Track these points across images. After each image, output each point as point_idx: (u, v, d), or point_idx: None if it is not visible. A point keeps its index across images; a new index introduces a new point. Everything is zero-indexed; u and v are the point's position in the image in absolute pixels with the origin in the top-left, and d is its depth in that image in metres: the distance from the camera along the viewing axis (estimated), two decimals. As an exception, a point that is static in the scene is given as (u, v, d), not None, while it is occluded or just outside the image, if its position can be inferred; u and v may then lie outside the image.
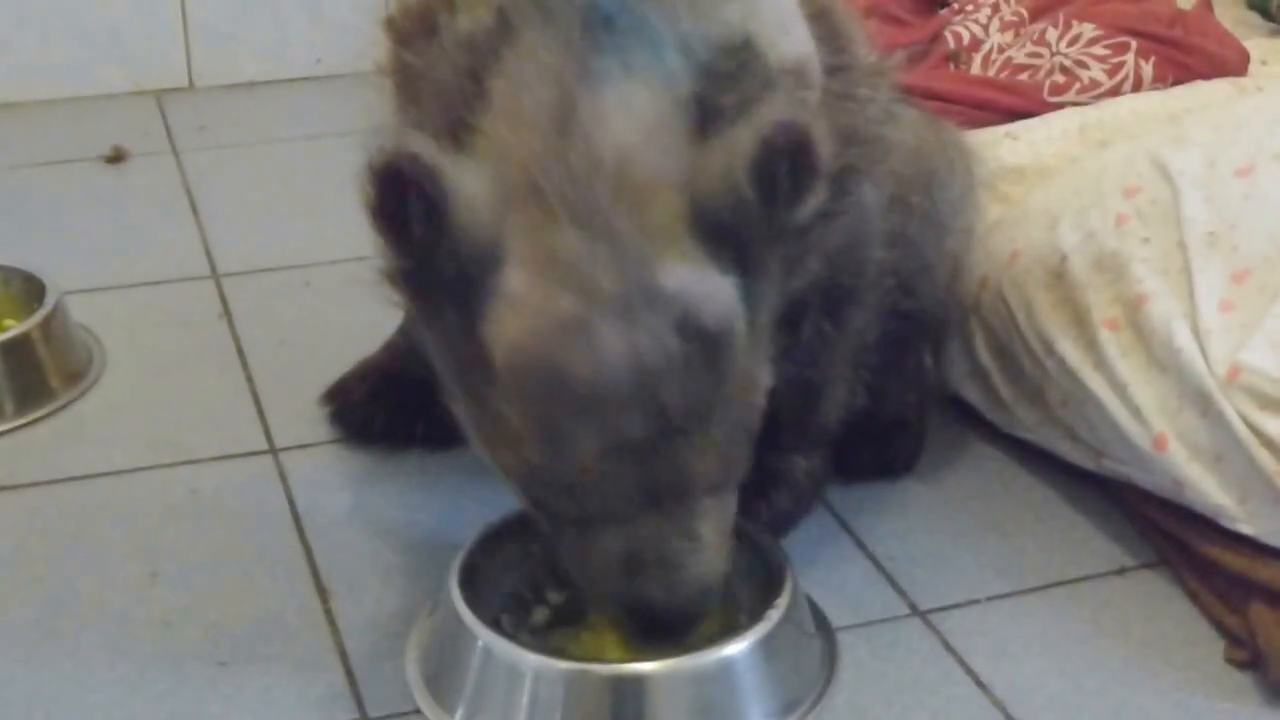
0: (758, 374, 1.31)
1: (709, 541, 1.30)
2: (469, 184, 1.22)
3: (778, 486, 1.64)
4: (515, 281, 1.22)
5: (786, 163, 1.21)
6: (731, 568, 1.49)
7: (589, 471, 1.24)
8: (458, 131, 1.27)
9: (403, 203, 1.19)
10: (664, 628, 1.32)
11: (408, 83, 1.39)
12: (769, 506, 1.62)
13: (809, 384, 1.60)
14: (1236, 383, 1.52)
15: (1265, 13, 2.51)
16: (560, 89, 1.25)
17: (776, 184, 1.21)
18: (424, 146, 1.21)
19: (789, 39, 1.40)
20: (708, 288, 1.23)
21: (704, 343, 1.22)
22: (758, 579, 1.49)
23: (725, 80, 1.30)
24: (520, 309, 1.22)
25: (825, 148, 1.23)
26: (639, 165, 1.24)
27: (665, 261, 1.22)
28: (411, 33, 1.40)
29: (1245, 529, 1.52)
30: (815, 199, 1.25)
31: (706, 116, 1.27)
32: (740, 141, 1.22)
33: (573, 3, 1.27)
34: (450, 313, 1.25)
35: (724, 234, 1.23)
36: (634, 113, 1.25)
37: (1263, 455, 1.50)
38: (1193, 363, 1.55)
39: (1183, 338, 1.57)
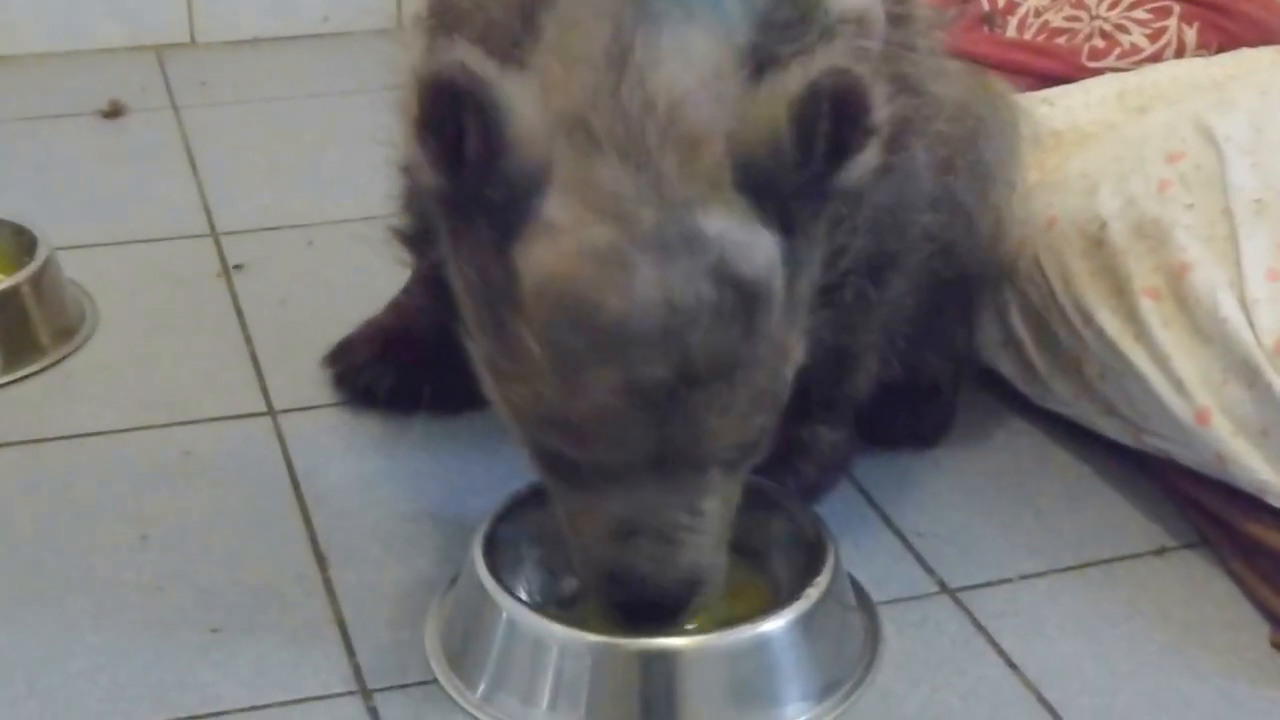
0: (790, 342, 1.24)
1: (712, 522, 1.24)
2: (524, 102, 1.16)
3: (803, 457, 1.58)
4: (555, 208, 1.17)
5: (831, 113, 1.14)
6: (764, 543, 1.44)
7: (603, 413, 1.17)
8: (506, 65, 1.20)
9: (453, 116, 1.13)
10: (646, 607, 1.25)
11: (451, 24, 1.32)
12: (794, 477, 1.55)
13: (843, 352, 1.53)
14: (1286, 354, 1.45)
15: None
16: (616, 28, 1.21)
17: (817, 134, 1.15)
18: (476, 59, 1.14)
19: None
20: (749, 238, 1.17)
21: (738, 293, 1.16)
22: (796, 553, 1.42)
23: (784, 29, 1.25)
24: (556, 235, 1.16)
25: (879, 100, 1.17)
26: (691, 110, 1.19)
27: (708, 206, 1.17)
28: None
29: (1293, 507, 1.45)
30: (866, 157, 1.19)
31: (763, 65, 1.22)
32: (787, 89, 1.16)
33: None
34: (484, 235, 1.19)
35: (765, 186, 1.17)
36: (690, 58, 1.21)
37: (1313, 428, 1.43)
38: (1239, 332, 1.48)
39: (1228, 307, 1.50)
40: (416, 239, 1.63)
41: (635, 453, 1.19)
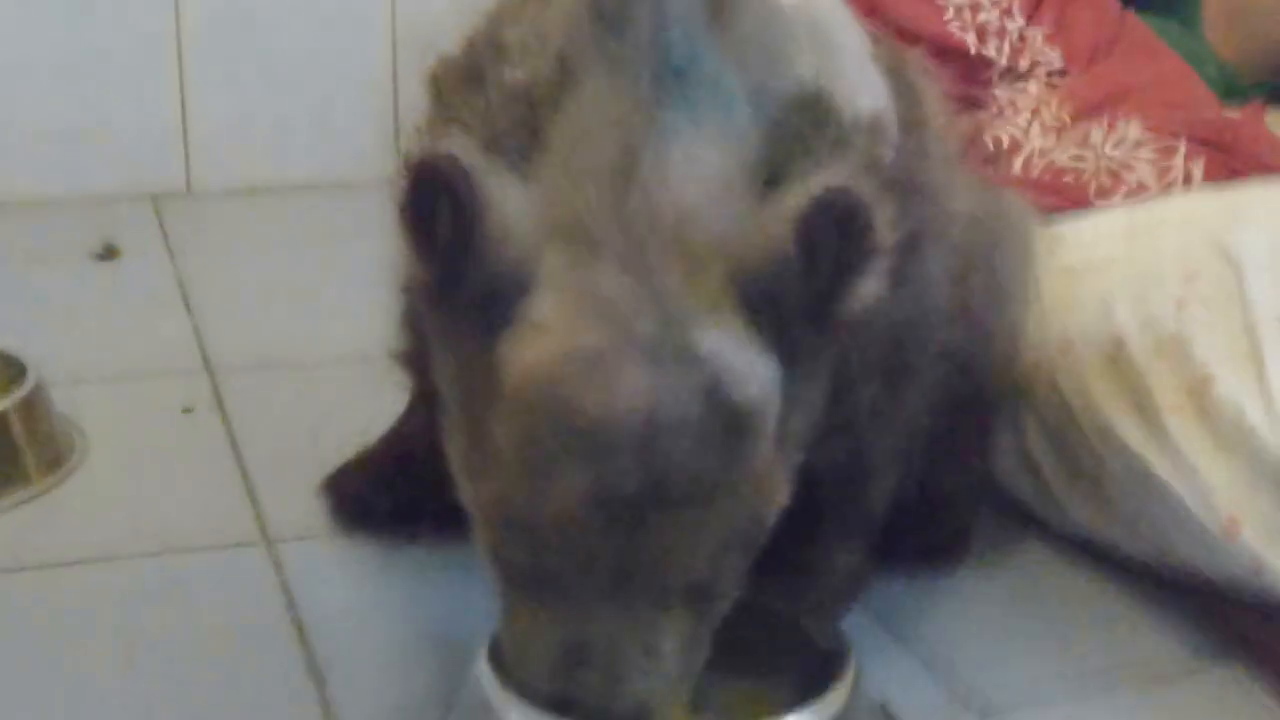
0: (775, 481, 1.17)
1: (667, 660, 1.15)
2: (510, 200, 1.13)
3: (816, 580, 1.51)
4: (544, 308, 1.12)
5: (835, 233, 1.09)
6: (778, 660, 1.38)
7: (567, 520, 1.10)
8: (518, 161, 1.19)
9: (433, 204, 1.09)
10: None
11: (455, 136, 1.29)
12: (805, 601, 1.49)
13: (857, 467, 1.48)
14: (1316, 458, 1.41)
15: (1315, 132, 2.43)
16: (624, 141, 1.16)
17: (823, 255, 1.10)
18: (466, 151, 1.12)
19: (865, 92, 1.32)
20: (745, 363, 1.11)
21: (727, 418, 1.10)
22: (812, 669, 1.35)
23: (795, 139, 1.22)
24: (544, 334, 1.11)
25: (884, 220, 1.11)
26: (698, 228, 1.14)
27: (708, 324, 1.11)
28: (456, 86, 1.31)
29: (1331, 617, 1.40)
30: (871, 280, 1.14)
31: (774, 178, 1.18)
32: (789, 207, 1.11)
33: (641, 51, 1.19)
34: (468, 331, 1.14)
35: (767, 308, 1.12)
36: (699, 172, 1.17)
37: (1347, 534, 1.38)
38: (1267, 440, 1.45)
39: (1255, 417, 1.46)
40: (415, 359, 1.59)
41: (594, 567, 1.12)
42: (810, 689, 1.31)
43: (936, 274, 1.43)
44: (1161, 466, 1.52)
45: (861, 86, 1.31)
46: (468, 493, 1.20)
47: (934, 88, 1.46)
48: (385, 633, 1.53)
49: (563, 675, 1.16)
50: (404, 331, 1.60)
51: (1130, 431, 1.56)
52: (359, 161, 2.78)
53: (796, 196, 1.11)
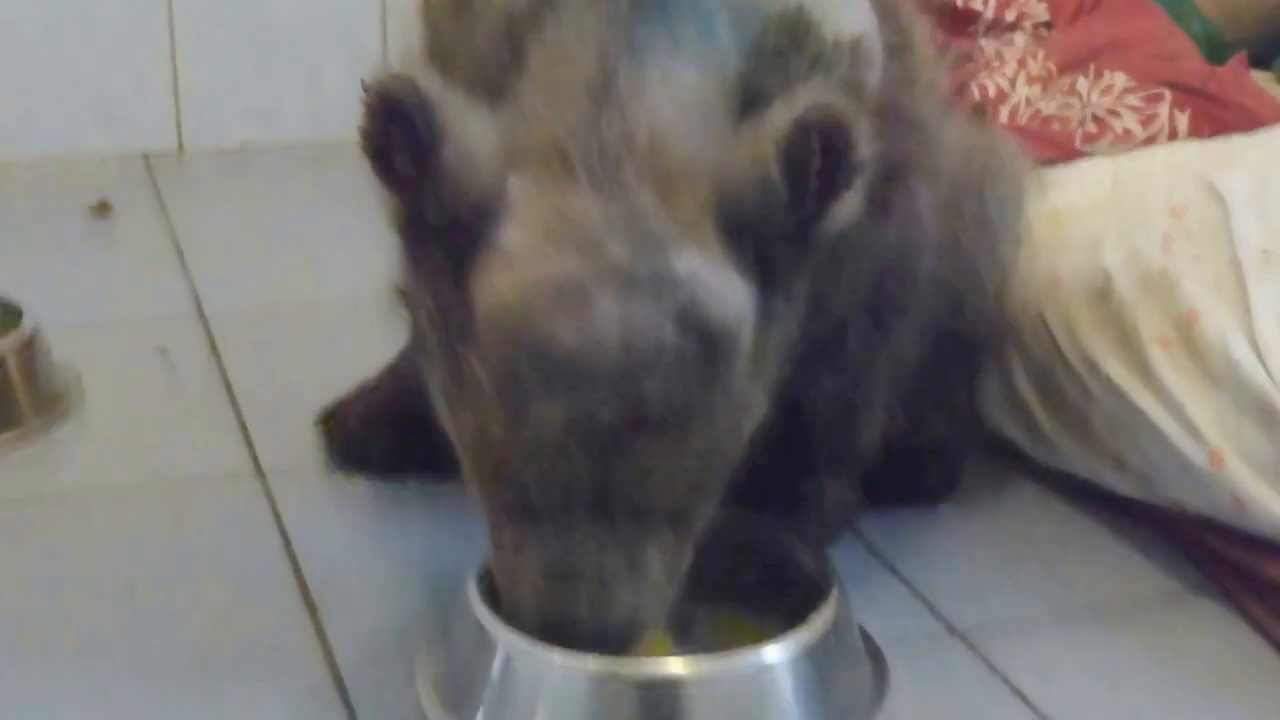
0: (752, 398, 1.18)
1: (653, 576, 1.17)
2: (474, 129, 1.12)
3: (808, 510, 1.53)
4: (514, 236, 1.12)
5: (819, 150, 1.09)
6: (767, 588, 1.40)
7: (546, 449, 1.11)
8: (489, 94, 1.18)
9: (391, 133, 1.10)
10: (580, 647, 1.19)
11: (443, 62, 1.29)
12: (798, 531, 1.50)
13: (847, 402, 1.49)
14: (1299, 390, 1.43)
15: (1297, 88, 2.44)
16: (601, 59, 1.17)
17: (806, 174, 1.10)
18: (430, 81, 1.11)
19: (848, 14, 1.31)
20: (721, 284, 1.12)
21: (703, 340, 1.11)
22: (800, 597, 1.36)
23: (775, 57, 1.22)
24: (514, 263, 1.11)
25: (866, 137, 1.12)
26: (673, 146, 1.15)
27: (683, 246, 1.11)
28: (445, 15, 1.32)
29: (1313, 546, 1.42)
30: (851, 199, 1.14)
31: (751, 99, 1.18)
32: (772, 126, 1.11)
33: None
34: (438, 260, 1.14)
35: (746, 228, 1.13)
36: (676, 91, 1.17)
37: (1330, 464, 1.40)
38: (1252, 373, 1.46)
39: (1240, 350, 1.48)
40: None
41: (576, 494, 1.13)
42: (796, 617, 1.34)
43: (924, 206, 1.43)
44: (1147, 401, 1.53)
45: (844, 8, 1.30)
46: (450, 424, 1.21)
47: (921, 20, 1.46)
48: (376, 561, 1.55)
49: (551, 599, 1.17)
50: (402, 261, 1.60)
51: (1116, 366, 1.57)
52: (348, 121, 2.78)
53: (778, 116, 1.11)
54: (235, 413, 1.84)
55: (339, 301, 2.11)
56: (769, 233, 1.14)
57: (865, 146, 1.12)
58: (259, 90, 2.79)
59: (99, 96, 2.72)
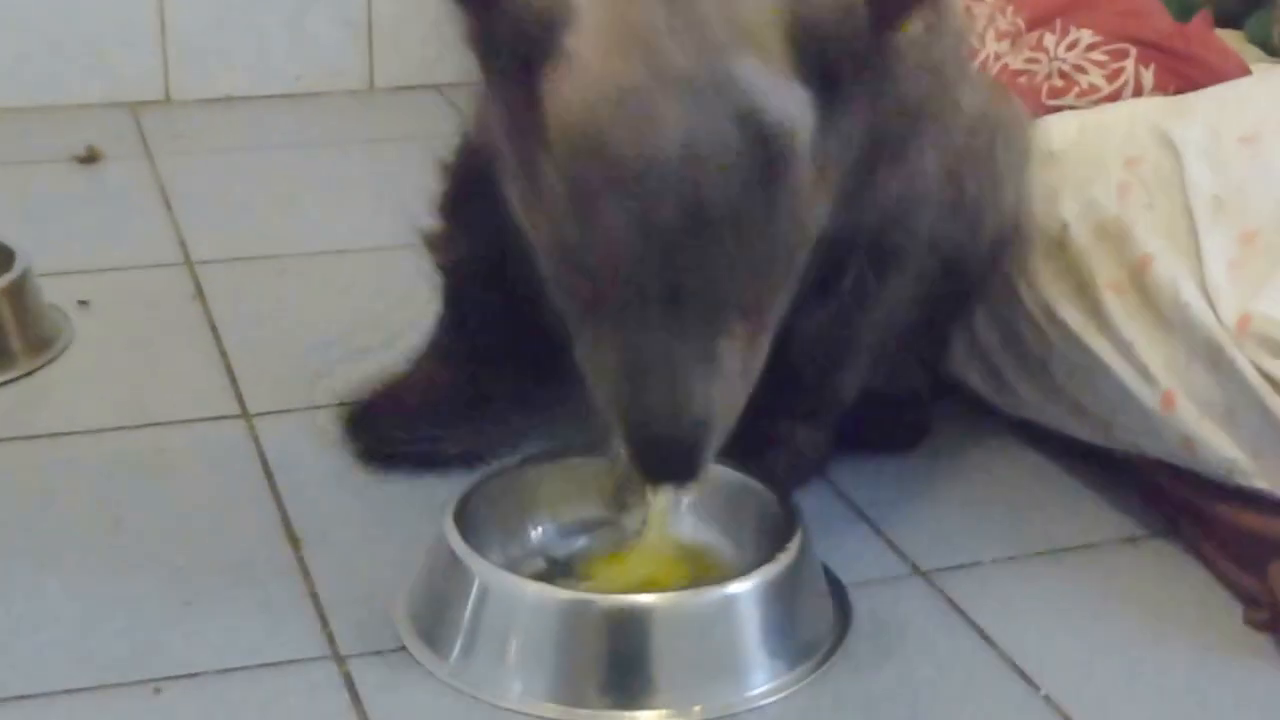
0: (811, 208, 1.23)
1: (726, 367, 1.21)
2: None
3: (781, 451, 1.57)
4: (581, 45, 1.17)
5: None
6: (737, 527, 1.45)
7: (616, 250, 1.16)
8: None
9: None
10: (662, 450, 1.23)
11: None
12: (769, 470, 1.55)
13: (835, 345, 1.54)
14: (1248, 332, 1.46)
15: (1266, 46, 2.48)
16: None
17: (890, 9, 1.17)
18: None
19: None
20: (783, 92, 1.17)
21: (763, 143, 1.16)
22: (768, 535, 1.42)
23: None
24: (581, 72, 1.16)
25: None
26: None
27: (745, 53, 1.17)
28: None
29: (1260, 484, 1.46)
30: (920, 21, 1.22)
31: None
32: None
33: None
34: (512, 74, 1.20)
35: (820, 45, 1.18)
36: None
37: (1277, 403, 1.44)
38: (1201, 316, 1.50)
39: (1190, 294, 1.51)
40: (444, 241, 1.63)
41: (647, 291, 1.17)
42: (763, 552, 1.39)
43: (931, 164, 1.48)
44: (1101, 346, 1.57)
45: None
46: (528, 228, 1.25)
47: None
48: (357, 498, 1.59)
49: (630, 389, 1.21)
50: (441, 211, 1.62)
51: (1072, 313, 1.61)
52: (334, 73, 2.83)
53: None
54: (221, 356, 1.88)
55: (324, 249, 2.16)
56: (837, 50, 1.19)
57: None
58: (246, 40, 2.81)
59: (87, 45, 2.74)
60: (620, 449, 1.25)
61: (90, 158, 2.49)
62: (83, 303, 1.99)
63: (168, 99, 2.79)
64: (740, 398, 1.24)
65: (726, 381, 1.22)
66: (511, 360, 1.60)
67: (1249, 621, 1.43)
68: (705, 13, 1.17)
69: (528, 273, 1.28)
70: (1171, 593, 1.48)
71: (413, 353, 1.70)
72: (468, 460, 1.61)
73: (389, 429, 1.65)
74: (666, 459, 1.24)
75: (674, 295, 1.17)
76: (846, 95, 1.21)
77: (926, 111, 1.42)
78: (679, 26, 1.16)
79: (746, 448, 1.34)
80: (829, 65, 1.19)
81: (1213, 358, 1.49)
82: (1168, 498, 1.57)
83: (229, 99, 2.81)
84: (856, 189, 1.32)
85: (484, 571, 1.34)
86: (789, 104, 1.17)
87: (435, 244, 1.63)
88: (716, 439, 1.24)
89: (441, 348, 1.68)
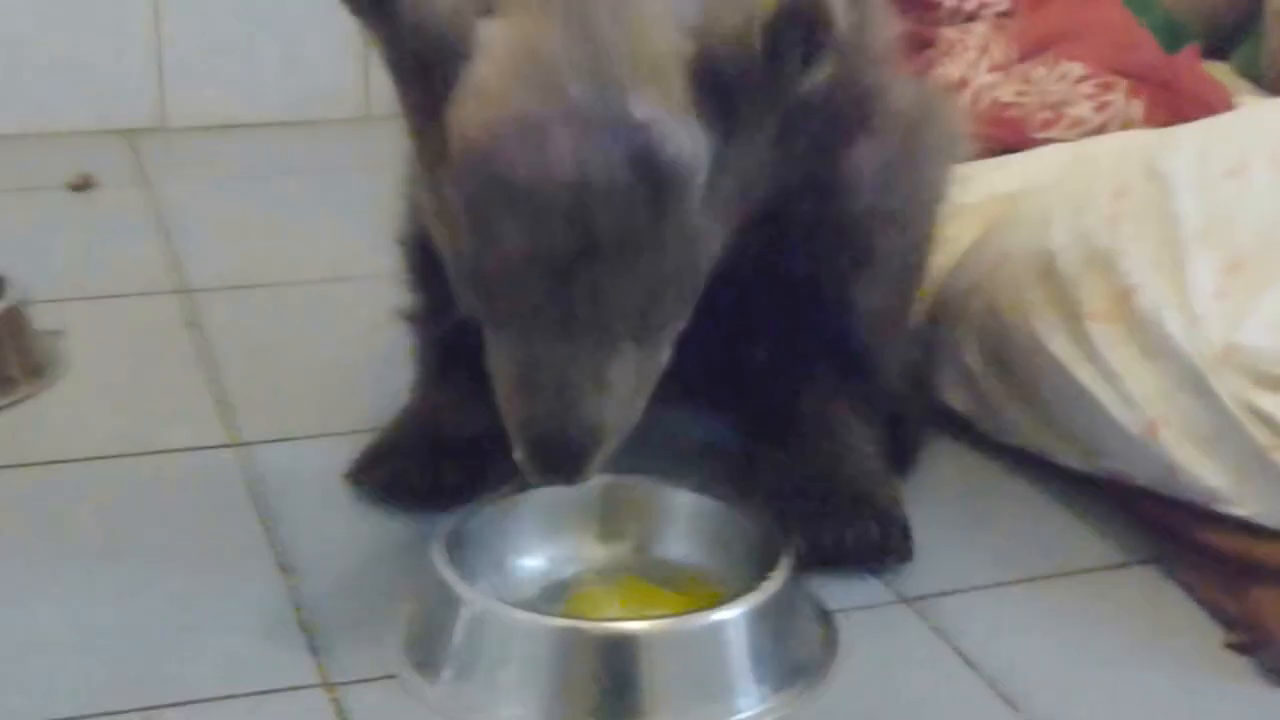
0: (704, 234, 1.27)
1: (613, 386, 1.27)
2: None
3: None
4: (484, 74, 1.22)
5: (804, 28, 1.20)
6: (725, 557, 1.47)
7: (508, 272, 1.22)
8: None
9: None
10: (547, 455, 1.28)
11: None
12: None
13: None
14: (1231, 362, 1.49)
15: (1254, 78, 2.50)
16: None
17: (790, 47, 1.20)
18: None
19: None
20: (678, 131, 1.21)
21: (655, 180, 1.20)
22: (755, 565, 1.44)
23: None
24: (481, 99, 1.21)
25: (841, 22, 1.22)
26: None
27: (644, 88, 1.21)
28: None
29: (1240, 511, 1.48)
30: (820, 71, 1.24)
31: None
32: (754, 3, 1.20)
33: None
34: (418, 98, 1.25)
35: (719, 86, 1.22)
36: None
37: (1258, 432, 1.46)
38: (1185, 346, 1.52)
39: (1174, 323, 1.54)
40: (424, 318, 1.66)
41: (541, 314, 1.23)
42: (750, 578, 1.41)
43: (864, 162, 1.52)
44: (1088, 374, 1.59)
45: None
46: (435, 238, 1.31)
47: None
48: (349, 527, 1.60)
49: (521, 400, 1.27)
50: (413, 291, 1.66)
51: (1059, 341, 1.63)
52: (330, 99, 2.85)
53: None
54: (215, 383, 1.89)
55: (320, 276, 2.18)
56: (736, 93, 1.23)
57: (841, 26, 1.21)
58: (242, 66, 2.84)
59: (82, 71, 2.76)
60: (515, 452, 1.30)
61: (85, 185, 2.51)
62: (56, 332, 2.00)
63: (163, 125, 2.81)
64: (632, 407, 1.30)
65: (615, 391, 1.27)
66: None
67: (1230, 645, 1.44)
68: (608, 46, 1.21)
69: None
70: (1154, 617, 1.49)
71: (408, 387, 1.71)
72: (467, 494, 1.60)
73: (402, 467, 1.64)
74: (552, 464, 1.29)
75: (564, 315, 1.23)
76: (746, 127, 1.25)
77: (859, 117, 1.47)
78: (581, 59, 1.20)
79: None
80: (727, 102, 1.23)
81: (1197, 387, 1.50)
82: (1151, 524, 1.59)
83: (225, 125, 2.83)
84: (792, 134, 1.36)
85: (475, 600, 1.36)
86: (683, 140, 1.21)
87: (422, 318, 1.66)
88: (605, 446, 1.29)
89: (430, 392, 1.69)
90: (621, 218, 1.20)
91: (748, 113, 1.24)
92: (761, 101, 1.24)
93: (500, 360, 1.29)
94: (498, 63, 1.22)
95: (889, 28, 1.55)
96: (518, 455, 1.30)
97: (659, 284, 1.25)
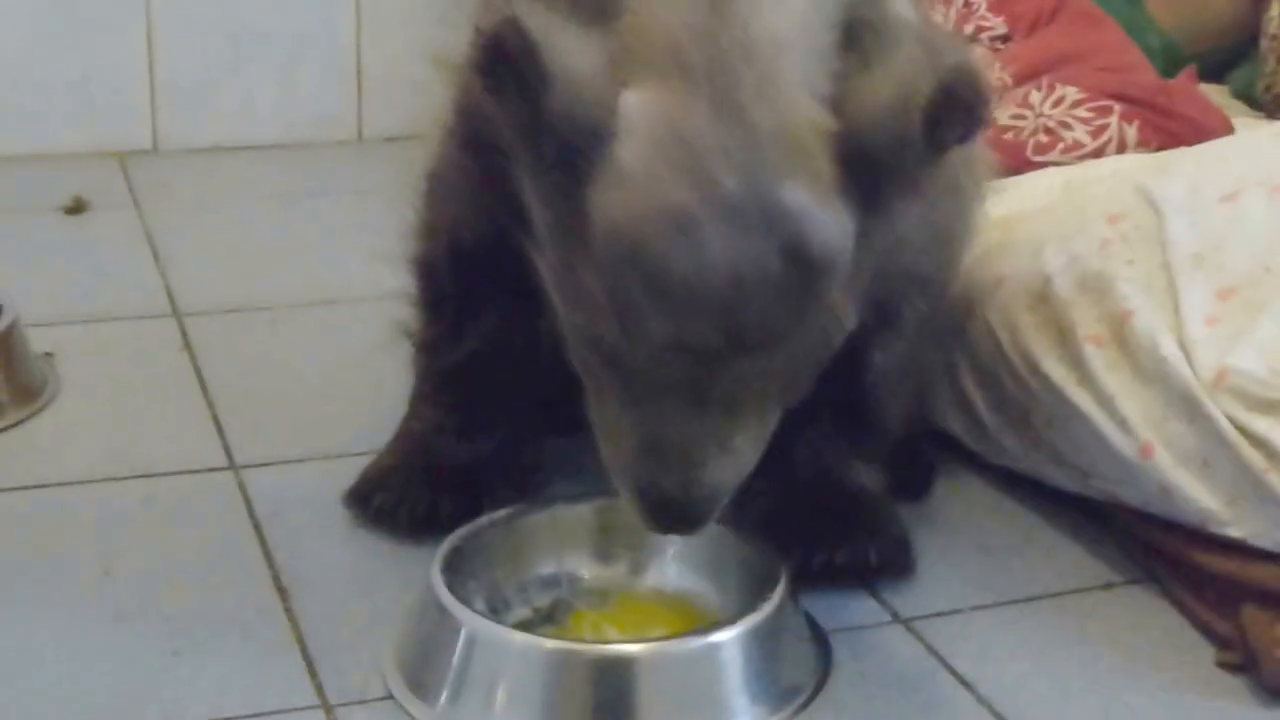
0: (842, 311, 1.26)
1: (740, 451, 1.26)
2: (581, 60, 1.19)
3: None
4: (631, 156, 1.18)
5: (966, 107, 1.18)
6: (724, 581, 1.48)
7: (652, 360, 1.20)
8: (603, 8, 1.23)
9: (502, 75, 1.17)
10: (670, 517, 1.28)
11: None
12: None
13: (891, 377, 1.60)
14: (1224, 386, 1.49)
15: (1250, 101, 2.50)
16: None
17: (952, 126, 1.18)
18: (535, 19, 1.18)
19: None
20: (829, 218, 1.19)
21: (806, 273, 1.18)
22: (752, 588, 1.45)
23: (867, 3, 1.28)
24: (630, 186, 1.18)
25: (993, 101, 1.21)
26: (791, 64, 1.21)
27: (794, 175, 1.18)
28: None
29: (1234, 532, 1.49)
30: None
31: (851, 34, 1.25)
32: (913, 76, 1.19)
33: None
34: (556, 177, 1.21)
35: (868, 164, 1.20)
36: (790, 8, 1.22)
37: (1252, 455, 1.47)
38: (1179, 370, 1.52)
39: (1168, 348, 1.54)
40: (435, 344, 1.64)
41: (674, 395, 1.22)
42: (746, 599, 1.42)
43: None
44: (1082, 397, 1.60)
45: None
46: (562, 315, 1.28)
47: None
48: (345, 548, 1.61)
49: (644, 465, 1.25)
50: (424, 316, 1.64)
51: (1054, 364, 1.63)
52: (323, 123, 2.85)
53: (916, 66, 1.19)
54: (209, 407, 1.89)
55: (312, 299, 2.18)
56: (886, 173, 1.21)
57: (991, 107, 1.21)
58: (235, 89, 2.84)
59: (75, 94, 2.76)
60: (625, 502, 1.30)
61: (77, 208, 2.51)
62: (47, 354, 2.00)
63: (156, 149, 2.81)
64: (749, 464, 1.29)
65: (738, 456, 1.26)
66: (507, 423, 1.64)
67: (1221, 664, 1.46)
68: (754, 126, 1.17)
69: (539, 344, 1.33)
70: (1147, 637, 1.50)
71: (403, 411, 1.71)
72: (462, 524, 1.60)
73: (399, 495, 1.63)
74: (674, 526, 1.30)
75: (700, 395, 1.22)
76: (889, 203, 1.24)
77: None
78: (729, 142, 1.17)
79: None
80: (874, 180, 1.21)
81: (1190, 410, 1.51)
82: (1144, 543, 1.60)
83: (217, 149, 2.83)
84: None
85: (471, 621, 1.36)
86: (833, 231, 1.19)
87: (432, 347, 1.63)
88: (723, 502, 1.28)
89: (425, 418, 1.67)
90: (771, 310, 1.18)
91: (892, 190, 1.23)
92: (909, 179, 1.22)
93: (619, 423, 1.26)
94: (643, 145, 1.18)
95: None
96: (636, 512, 1.29)
97: (799, 364, 1.25)
